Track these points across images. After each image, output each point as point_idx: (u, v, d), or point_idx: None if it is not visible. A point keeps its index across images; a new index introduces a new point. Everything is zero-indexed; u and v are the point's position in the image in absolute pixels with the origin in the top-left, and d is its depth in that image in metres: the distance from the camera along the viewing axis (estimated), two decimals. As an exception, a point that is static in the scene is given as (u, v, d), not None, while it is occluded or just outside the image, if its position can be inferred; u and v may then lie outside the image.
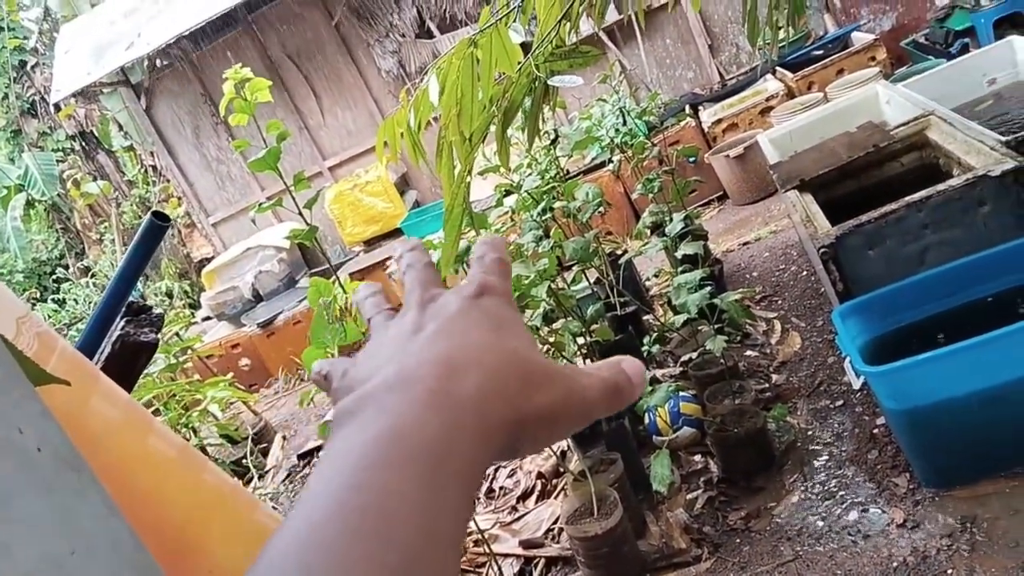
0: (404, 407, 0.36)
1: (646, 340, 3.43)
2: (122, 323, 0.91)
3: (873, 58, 5.98)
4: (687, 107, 6.90)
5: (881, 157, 3.33)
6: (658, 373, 3.88)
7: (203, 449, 4.65)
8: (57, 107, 8.13)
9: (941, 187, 2.70)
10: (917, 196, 2.71)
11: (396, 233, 7.54)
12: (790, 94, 6.19)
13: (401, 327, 0.43)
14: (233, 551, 0.88)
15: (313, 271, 7.96)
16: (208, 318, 8.05)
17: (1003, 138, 2.86)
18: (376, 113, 7.98)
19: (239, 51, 8.00)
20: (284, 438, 5.75)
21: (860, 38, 6.32)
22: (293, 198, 2.41)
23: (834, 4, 7.06)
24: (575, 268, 3.47)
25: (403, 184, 8.18)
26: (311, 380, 0.50)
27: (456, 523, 0.34)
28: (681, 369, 3.70)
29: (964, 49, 5.35)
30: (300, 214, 2.33)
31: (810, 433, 3.12)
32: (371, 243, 7.84)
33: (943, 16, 5.93)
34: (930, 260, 2.71)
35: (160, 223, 0.94)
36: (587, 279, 3.70)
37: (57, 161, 9.47)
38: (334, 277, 2.53)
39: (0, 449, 0.48)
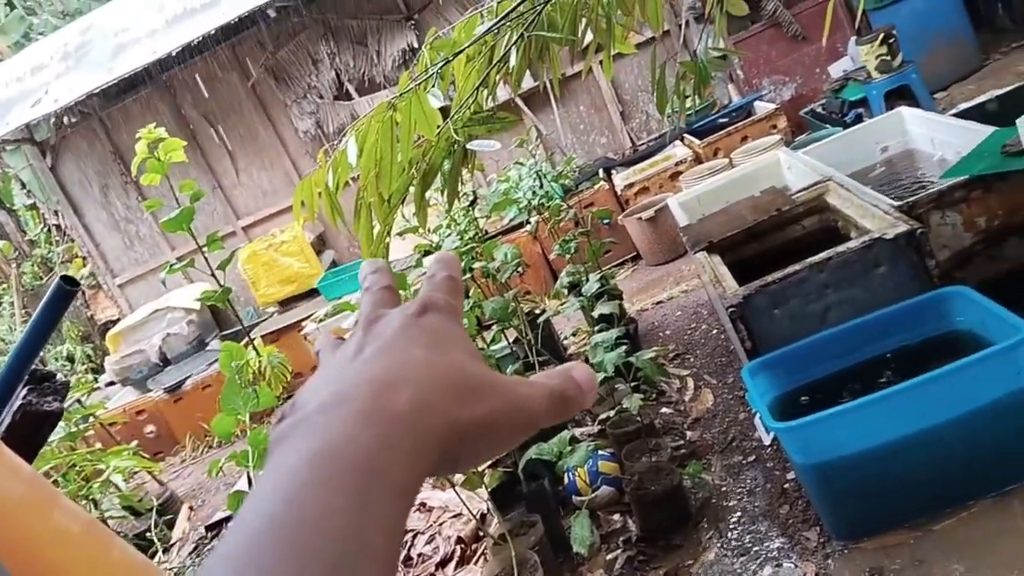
0: (336, 426, 0.36)
1: (564, 399, 3.45)
2: (24, 391, 0.87)
3: (775, 126, 6.30)
4: (601, 171, 7.10)
5: (784, 220, 3.49)
6: (577, 432, 3.89)
7: (104, 522, 4.41)
8: (-46, 164, 7.81)
9: (840, 249, 2.84)
10: (818, 258, 2.84)
11: (312, 294, 7.44)
12: (698, 160, 6.44)
13: (345, 351, 0.44)
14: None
15: (224, 333, 7.75)
16: (112, 383, 7.72)
17: (895, 203, 3.04)
18: (293, 173, 7.93)
19: (152, 109, 7.87)
20: (191, 509, 5.50)
21: (762, 107, 6.65)
22: (206, 259, 2.36)
23: (738, 75, 7.43)
24: (494, 328, 3.49)
25: (320, 244, 8.11)
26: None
27: (390, 537, 0.34)
28: (600, 427, 3.73)
29: (858, 119, 5.68)
30: (213, 275, 2.29)
31: (724, 489, 3.18)
32: (286, 304, 7.70)
33: (838, 87, 6.30)
34: (832, 319, 2.83)
35: (69, 287, 0.91)
36: (506, 339, 3.72)
37: (-48, 220, 9.05)
38: (247, 340, 2.48)
39: None
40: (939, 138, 3.82)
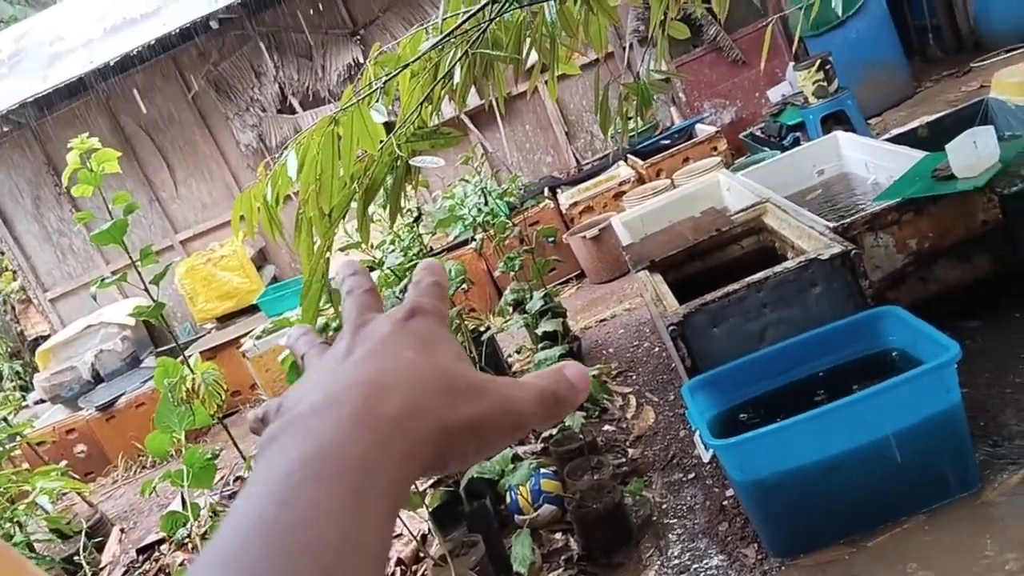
0: (328, 428, 0.36)
1: (507, 417, 3.44)
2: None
3: (715, 148, 6.42)
4: (546, 189, 7.15)
5: (723, 240, 3.55)
6: (520, 450, 3.88)
7: (30, 546, 4.24)
8: None
9: (777, 269, 2.90)
10: (756, 277, 2.89)
11: (252, 309, 7.30)
12: (641, 180, 6.53)
13: (334, 354, 0.44)
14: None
15: (160, 350, 7.55)
16: (41, 401, 7.45)
17: (831, 224, 3.12)
18: (234, 186, 7.81)
19: (88, 120, 7.67)
20: (122, 531, 5.33)
21: (703, 130, 6.78)
22: (139, 273, 2.30)
23: (680, 98, 7.56)
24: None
25: (261, 259, 7.97)
26: (249, 429, 0.49)
27: (383, 539, 0.34)
28: (542, 445, 3.72)
29: (795, 142, 5.83)
30: (146, 290, 2.22)
31: (665, 506, 3.20)
32: (224, 320, 7.55)
33: (777, 112, 6.45)
34: (770, 337, 2.88)
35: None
36: (449, 356, 3.69)
37: None
38: (182, 357, 2.42)
39: None
40: (873, 162, 3.94)
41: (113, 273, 3.02)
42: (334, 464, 0.35)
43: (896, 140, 3.99)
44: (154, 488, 2.71)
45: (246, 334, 6.47)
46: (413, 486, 0.41)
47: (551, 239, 6.00)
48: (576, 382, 0.45)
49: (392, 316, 0.46)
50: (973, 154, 3.08)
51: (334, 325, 2.42)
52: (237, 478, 5.03)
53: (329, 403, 0.38)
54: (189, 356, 2.50)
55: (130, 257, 2.29)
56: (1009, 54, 6.65)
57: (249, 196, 1.98)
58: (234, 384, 6.64)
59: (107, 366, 7.27)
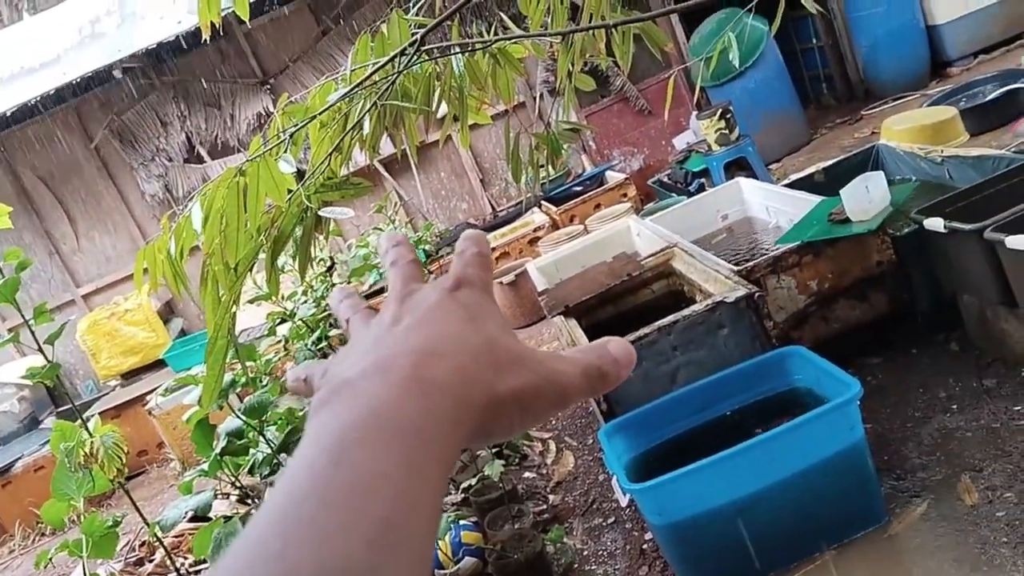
0: (381, 392, 0.37)
1: (425, 468, 3.39)
2: None
3: (625, 194, 6.58)
4: (462, 236, 7.17)
5: (635, 285, 3.62)
6: (439, 501, 3.82)
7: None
8: None
9: (686, 312, 2.97)
10: (665, 321, 2.95)
11: (158, 365, 7.04)
12: (555, 225, 6.62)
13: (381, 322, 0.45)
14: None
15: (60, 410, 7.20)
16: (-73, 468, 6.97)
17: (735, 267, 3.21)
18: (139, 238, 7.58)
19: (-19, 171, 7.35)
20: (17, 605, 4.99)
21: (613, 176, 6.95)
22: (32, 332, 2.19)
23: (590, 146, 7.75)
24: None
25: (168, 312, 7.72)
26: (289, 388, 0.49)
27: (433, 503, 0.35)
28: (463, 496, 3.67)
29: (701, 188, 6.02)
30: (40, 350, 2.12)
31: (586, 553, 3.19)
32: (130, 376, 7.25)
33: (683, 159, 6.67)
34: (681, 379, 2.94)
35: None
36: (364, 408, 3.63)
37: None
38: (80, 418, 2.30)
39: None
40: (774, 206, 4.10)
41: (9, 331, 2.87)
42: (388, 427, 0.35)
43: (794, 185, 4.17)
44: (50, 560, 2.55)
45: (152, 391, 6.22)
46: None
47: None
48: (620, 358, 0.45)
49: (438, 286, 0.46)
50: (865, 198, 3.24)
51: (241, 381, 2.35)
52: (143, 543, 4.79)
53: (380, 369, 0.39)
54: (91, 416, 2.38)
55: (23, 316, 2.19)
56: (896, 102, 7.07)
57: (153, 249, 1.92)
58: (140, 443, 6.36)
59: (3, 428, 6.88)
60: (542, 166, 2.79)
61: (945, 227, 2.95)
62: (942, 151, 3.91)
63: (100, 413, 5.92)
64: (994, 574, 2.31)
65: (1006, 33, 7.09)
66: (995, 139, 4.90)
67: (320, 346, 3.27)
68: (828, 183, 4.07)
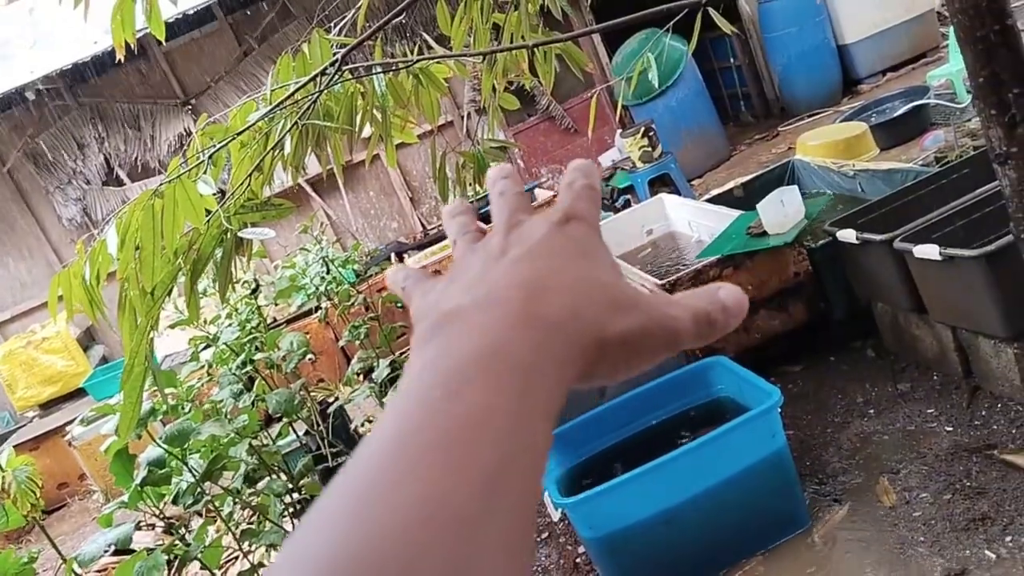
0: (495, 325, 0.36)
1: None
2: None
3: (554, 211, 6.63)
4: (393, 255, 7.13)
5: (564, 300, 3.65)
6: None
7: None
8: None
9: (613, 326, 3.01)
10: (594, 335, 2.99)
11: (79, 394, 6.80)
12: (485, 243, 6.63)
13: (487, 250, 0.43)
14: None
15: (-27, 444, 6.88)
16: None
17: (659, 281, 3.28)
18: (56, 263, 7.32)
19: None
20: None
21: (542, 194, 7.01)
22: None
23: (518, 163, 7.80)
24: (283, 420, 3.34)
25: (88, 339, 7.46)
26: (387, 284, 0.47)
27: (545, 441, 0.34)
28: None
29: (626, 204, 6.13)
30: (-54, 381, 2.03)
31: (521, 569, 3.18)
32: (49, 406, 6.98)
33: (608, 176, 6.77)
34: (609, 393, 2.97)
35: None
36: (295, 432, 3.57)
37: None
38: (-10, 451, 2.21)
39: None
40: (696, 221, 4.20)
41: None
42: (503, 362, 0.34)
43: (715, 200, 4.28)
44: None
45: (72, 421, 6.00)
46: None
47: (399, 305, 5.97)
48: (731, 306, 0.43)
49: (547, 219, 0.44)
50: (781, 212, 3.35)
51: (162, 409, 2.29)
52: (62, 581, 4.59)
53: (492, 301, 0.38)
54: (3, 449, 2.29)
55: (-74, 346, 2.09)
56: (811, 118, 7.33)
57: (68, 274, 1.87)
58: (60, 475, 6.12)
59: (-93, 467, 6.53)
60: (470, 184, 2.81)
61: (857, 238, 3.07)
62: (854, 165, 4.07)
63: (16, 445, 5.67)
64: (913, 573, 2.40)
65: (913, 52, 7.44)
66: (904, 153, 5.11)
67: (245, 370, 3.21)
68: (747, 197, 4.20)
